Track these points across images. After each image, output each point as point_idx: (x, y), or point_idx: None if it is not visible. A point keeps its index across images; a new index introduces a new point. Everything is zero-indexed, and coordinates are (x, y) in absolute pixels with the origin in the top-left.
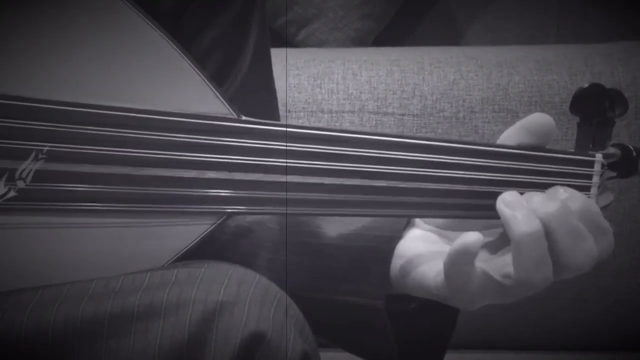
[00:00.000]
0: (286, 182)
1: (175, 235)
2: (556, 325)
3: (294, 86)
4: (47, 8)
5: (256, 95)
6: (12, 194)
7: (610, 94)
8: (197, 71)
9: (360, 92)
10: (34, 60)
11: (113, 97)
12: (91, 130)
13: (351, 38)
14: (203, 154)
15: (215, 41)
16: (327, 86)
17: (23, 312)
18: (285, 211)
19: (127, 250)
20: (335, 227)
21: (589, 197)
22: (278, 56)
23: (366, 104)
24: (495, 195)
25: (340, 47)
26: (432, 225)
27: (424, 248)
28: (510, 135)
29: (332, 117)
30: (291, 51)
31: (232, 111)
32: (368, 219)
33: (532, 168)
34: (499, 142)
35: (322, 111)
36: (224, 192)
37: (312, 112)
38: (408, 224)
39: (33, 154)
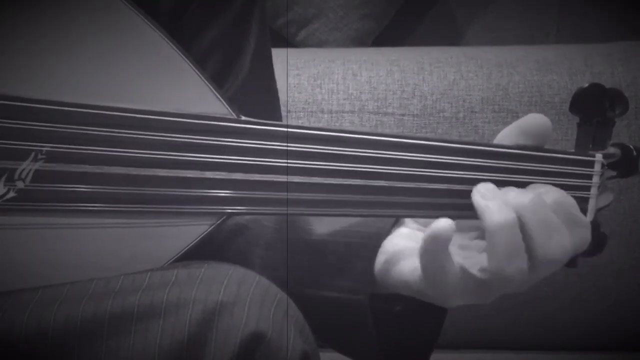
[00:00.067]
0: (287, 182)
1: (175, 235)
2: (556, 325)
3: (294, 86)
4: (47, 8)
5: (257, 96)
6: (11, 194)
7: (610, 94)
8: (197, 71)
9: (360, 92)
10: (34, 60)
11: (113, 98)
12: (91, 130)
13: (351, 38)
14: (203, 154)
15: (215, 41)
16: (327, 86)
17: (23, 312)
18: (285, 211)
19: (127, 250)
20: (324, 223)
21: (589, 197)
22: (278, 56)
23: (366, 104)
24: None
25: (340, 47)
26: (421, 224)
27: (407, 245)
28: (507, 136)
29: (332, 117)
30: (291, 51)
31: (231, 111)
32: None
33: (532, 168)
34: (495, 142)
35: (322, 111)
36: (224, 193)
37: (312, 112)
38: (397, 222)
39: (32, 155)
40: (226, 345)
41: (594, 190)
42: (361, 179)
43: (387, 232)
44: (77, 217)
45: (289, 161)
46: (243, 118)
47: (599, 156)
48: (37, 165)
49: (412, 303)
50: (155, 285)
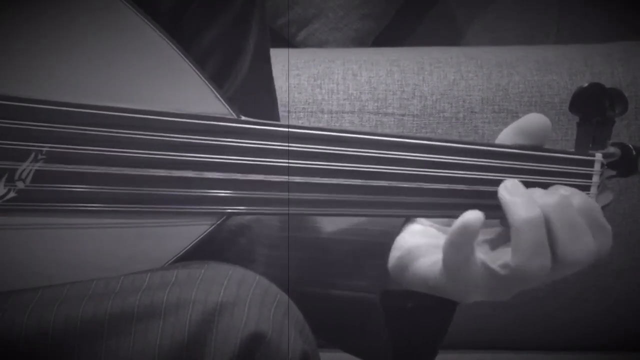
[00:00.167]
0: (288, 182)
1: (175, 235)
2: (556, 325)
3: (294, 86)
4: (47, 8)
5: (256, 96)
6: (11, 194)
7: (610, 93)
8: (197, 71)
9: (360, 93)
10: (34, 60)
11: (112, 98)
12: (91, 130)
13: (351, 38)
14: (203, 155)
15: (215, 41)
16: (327, 86)
17: (23, 312)
18: (287, 211)
19: (127, 250)
20: (333, 222)
21: (588, 196)
22: (278, 56)
23: (366, 104)
24: (495, 195)
25: (340, 47)
26: (433, 220)
27: (422, 241)
28: (507, 136)
29: (332, 117)
30: (291, 51)
31: (231, 111)
32: None
33: (532, 168)
34: (496, 142)
35: (322, 111)
36: (224, 193)
37: (312, 112)
38: (408, 219)
39: (32, 155)
40: (226, 346)
41: (593, 190)
42: (362, 179)
43: (399, 229)
44: (77, 217)
45: (290, 161)
46: (243, 118)
47: (598, 156)
48: (37, 166)
49: (424, 300)
50: (155, 285)
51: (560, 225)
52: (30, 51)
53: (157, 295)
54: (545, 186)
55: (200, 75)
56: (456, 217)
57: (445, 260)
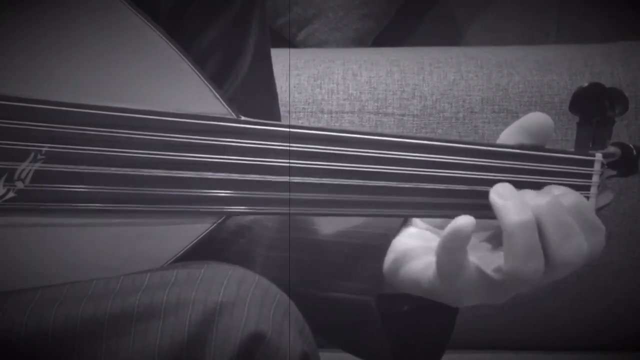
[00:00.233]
0: (289, 183)
1: (175, 235)
2: (556, 325)
3: (294, 86)
4: (47, 8)
5: (257, 96)
6: (11, 194)
7: (610, 93)
8: (196, 72)
9: (360, 93)
10: (34, 60)
11: (112, 98)
12: (90, 130)
13: (351, 38)
14: (203, 155)
15: (215, 41)
16: (327, 86)
17: (23, 312)
18: (288, 211)
19: (127, 250)
20: (330, 224)
21: (588, 196)
22: (278, 56)
23: (366, 104)
24: None
25: (340, 47)
26: (429, 223)
27: (417, 243)
28: (509, 135)
29: (332, 117)
30: (291, 51)
31: (231, 111)
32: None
33: (532, 168)
34: (498, 142)
35: (322, 111)
36: (224, 193)
37: (312, 112)
38: (405, 222)
39: (32, 155)
40: (226, 346)
41: (593, 190)
42: (363, 179)
43: (396, 232)
44: (76, 217)
45: (291, 161)
46: (242, 118)
47: (598, 155)
48: (37, 166)
49: (420, 303)
50: (155, 285)
51: (551, 227)
52: (30, 51)
53: (157, 295)
54: (544, 186)
55: (200, 75)
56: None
57: (438, 263)
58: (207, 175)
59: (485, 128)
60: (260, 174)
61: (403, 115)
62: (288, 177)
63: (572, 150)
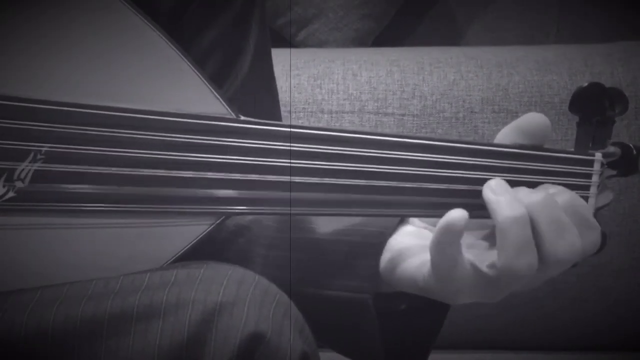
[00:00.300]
0: (290, 182)
1: (175, 235)
2: (556, 325)
3: (294, 86)
4: (47, 8)
5: (257, 96)
6: (11, 194)
7: (610, 93)
8: (196, 72)
9: (360, 93)
10: (34, 60)
11: (112, 98)
12: (90, 130)
13: (351, 38)
14: (203, 155)
15: (215, 41)
16: (327, 86)
17: (23, 312)
18: (289, 211)
19: (126, 250)
20: (327, 222)
21: (588, 196)
22: (278, 56)
23: (366, 104)
24: None
25: (340, 47)
26: (426, 222)
27: (413, 242)
28: (506, 135)
29: (332, 117)
30: (291, 51)
31: (231, 111)
32: None
33: (532, 167)
34: (495, 142)
35: (322, 111)
36: (225, 193)
37: (312, 112)
38: (402, 220)
39: (32, 155)
40: (226, 346)
41: (593, 190)
42: (364, 178)
43: (393, 230)
44: (76, 217)
45: (292, 161)
46: (242, 118)
47: (598, 155)
48: (37, 166)
49: (416, 301)
50: (154, 285)
51: (545, 223)
52: (30, 51)
53: (157, 295)
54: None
55: (200, 75)
56: None
57: (432, 260)
58: (207, 175)
59: (485, 128)
60: (261, 174)
61: (403, 115)
62: (289, 177)
63: (572, 150)
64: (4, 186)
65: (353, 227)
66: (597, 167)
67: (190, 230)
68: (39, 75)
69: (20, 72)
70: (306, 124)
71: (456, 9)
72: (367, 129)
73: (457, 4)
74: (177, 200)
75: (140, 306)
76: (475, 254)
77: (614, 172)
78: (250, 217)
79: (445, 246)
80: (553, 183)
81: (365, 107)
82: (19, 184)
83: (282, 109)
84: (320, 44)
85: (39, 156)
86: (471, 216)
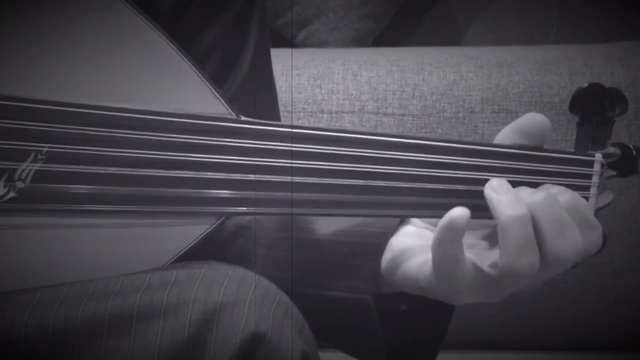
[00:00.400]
0: (291, 183)
1: (175, 235)
2: (556, 325)
3: (294, 86)
4: (47, 8)
5: (256, 96)
6: (11, 194)
7: (610, 93)
8: (196, 72)
9: (360, 93)
10: (34, 60)
11: (112, 98)
12: (90, 130)
13: (351, 38)
14: (203, 155)
15: (215, 41)
16: (327, 86)
17: (23, 312)
18: (289, 212)
19: (127, 250)
20: (328, 223)
21: (588, 196)
22: (278, 56)
23: (366, 104)
24: None
25: (340, 47)
26: (427, 222)
27: (414, 242)
28: (506, 136)
29: (331, 117)
30: (291, 51)
31: (231, 111)
32: None
33: (532, 168)
34: (494, 142)
35: (322, 111)
36: (226, 193)
37: (312, 112)
38: (402, 220)
39: (32, 155)
40: (226, 346)
41: (593, 190)
42: (365, 179)
43: (393, 231)
44: (77, 217)
45: (293, 161)
46: (242, 118)
47: (598, 156)
48: (37, 166)
49: (418, 302)
50: (155, 285)
51: (546, 222)
52: (30, 51)
53: (157, 295)
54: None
55: (200, 75)
56: None
57: (434, 259)
58: (208, 176)
59: (485, 128)
60: (261, 174)
61: (403, 115)
62: (290, 178)
63: (572, 150)
64: (4, 186)
65: (353, 227)
66: (597, 167)
67: (191, 230)
68: (39, 75)
69: (20, 72)
70: (306, 124)
71: (456, 9)
72: (367, 129)
73: (457, 4)
74: (177, 201)
75: (140, 306)
76: (477, 253)
77: (613, 173)
78: (250, 217)
79: (447, 245)
80: (553, 183)
81: (365, 107)
82: (19, 184)
83: (282, 109)
84: (320, 44)
85: (39, 156)
86: (471, 216)
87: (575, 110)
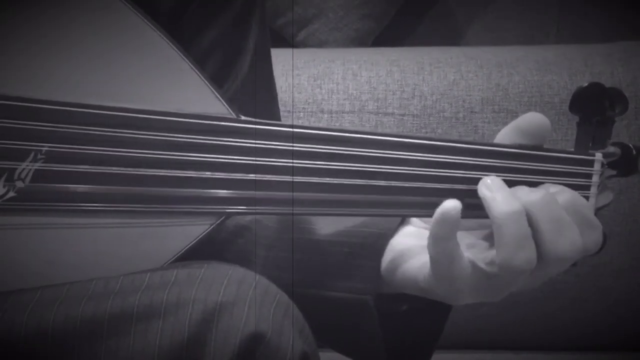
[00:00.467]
0: (292, 182)
1: (175, 235)
2: (556, 325)
3: (294, 86)
4: (47, 8)
5: (257, 96)
6: (11, 194)
7: (610, 93)
8: (197, 71)
9: (360, 93)
10: (34, 60)
11: (113, 98)
12: (90, 130)
13: (351, 38)
14: (204, 154)
15: (215, 41)
16: (327, 86)
17: (23, 312)
18: (291, 211)
19: (127, 250)
20: (328, 223)
21: (589, 196)
22: (278, 56)
23: (366, 104)
24: None
25: (340, 47)
26: (427, 223)
27: (414, 243)
28: (506, 135)
29: (332, 117)
30: (291, 51)
31: (231, 111)
32: None
33: (532, 167)
34: (495, 142)
35: (322, 111)
36: (227, 193)
37: (312, 112)
38: (403, 221)
39: (32, 154)
40: (226, 346)
41: (593, 190)
42: (366, 178)
43: (394, 231)
44: (77, 217)
45: (294, 161)
46: (242, 118)
47: (598, 155)
48: (37, 165)
49: (418, 302)
50: (154, 285)
51: (544, 220)
52: (30, 51)
53: (157, 295)
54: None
55: (200, 75)
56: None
57: (431, 257)
58: (208, 175)
59: (485, 128)
60: (262, 174)
61: (403, 115)
62: (291, 177)
63: (572, 150)
64: (4, 186)
65: (353, 228)
66: (597, 167)
67: (191, 230)
68: (39, 75)
69: (21, 72)
70: (306, 124)
71: (456, 9)
72: (367, 129)
73: (457, 4)
74: (178, 200)
75: (140, 306)
76: (475, 252)
77: (614, 172)
78: (249, 217)
79: (441, 240)
80: (553, 183)
81: (365, 107)
82: (19, 184)
83: (282, 109)
84: (320, 44)
85: (39, 156)
86: (471, 216)
87: (576, 109)
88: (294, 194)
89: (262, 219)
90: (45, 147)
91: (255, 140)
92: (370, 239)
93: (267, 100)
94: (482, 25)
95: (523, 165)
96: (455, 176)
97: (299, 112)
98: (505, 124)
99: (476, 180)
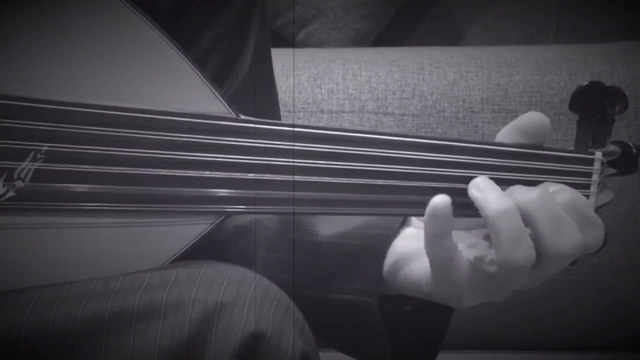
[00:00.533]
0: (293, 182)
1: (175, 235)
2: (556, 325)
3: (294, 86)
4: (47, 8)
5: (257, 96)
6: (11, 193)
7: (610, 92)
8: (197, 71)
9: (360, 92)
10: (34, 60)
11: (113, 98)
12: (90, 130)
13: (351, 38)
14: (204, 154)
15: (215, 41)
16: (327, 86)
17: (23, 312)
18: (292, 211)
19: (127, 250)
20: (330, 225)
21: (589, 195)
22: (278, 56)
23: (366, 104)
24: None
25: (340, 47)
26: None
27: (415, 245)
28: (506, 135)
29: (331, 117)
30: (291, 51)
31: (231, 111)
32: (363, 217)
33: (532, 166)
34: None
35: (322, 111)
36: (228, 192)
37: (312, 112)
38: (403, 223)
39: (32, 154)
40: (226, 346)
41: (593, 188)
42: (366, 178)
43: (396, 233)
44: (76, 216)
45: (295, 160)
46: (242, 117)
47: (598, 154)
48: (37, 165)
49: (420, 303)
50: (154, 285)
51: (543, 219)
52: (30, 51)
53: (157, 294)
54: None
55: (200, 75)
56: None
57: (429, 257)
58: (209, 175)
59: (485, 128)
60: (262, 173)
61: (403, 115)
62: (292, 177)
63: (572, 148)
64: (3, 186)
65: (355, 229)
66: (597, 165)
67: (191, 229)
68: (39, 75)
69: (21, 72)
70: (306, 123)
71: (456, 9)
72: (367, 129)
73: (457, 4)
74: (178, 200)
75: (140, 306)
76: (475, 252)
77: (614, 171)
78: (249, 218)
79: (435, 239)
80: (553, 182)
81: (365, 107)
82: (19, 184)
83: (282, 108)
84: (320, 44)
85: (39, 155)
86: (471, 215)
87: (576, 108)
88: (296, 193)
89: (262, 220)
90: (45, 146)
91: (256, 139)
92: (372, 241)
93: (267, 100)
94: (482, 25)
95: (523, 164)
96: (455, 175)
97: (299, 111)
98: (505, 123)
99: None
